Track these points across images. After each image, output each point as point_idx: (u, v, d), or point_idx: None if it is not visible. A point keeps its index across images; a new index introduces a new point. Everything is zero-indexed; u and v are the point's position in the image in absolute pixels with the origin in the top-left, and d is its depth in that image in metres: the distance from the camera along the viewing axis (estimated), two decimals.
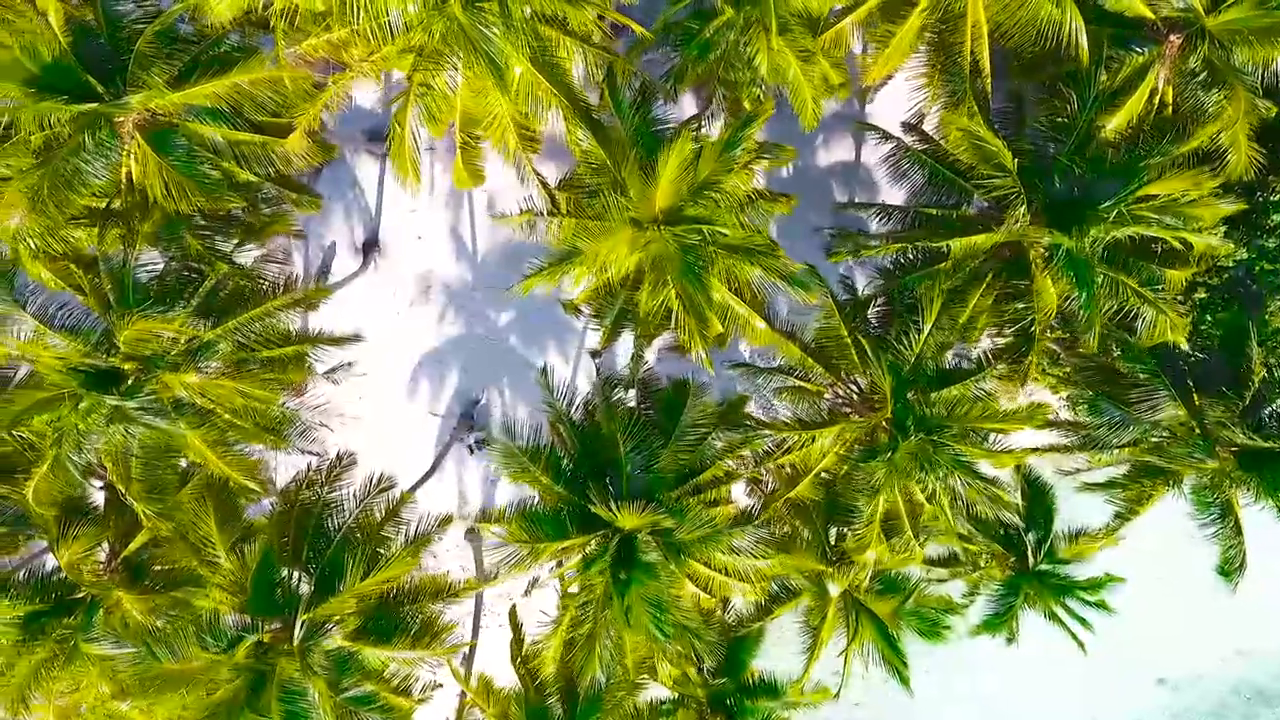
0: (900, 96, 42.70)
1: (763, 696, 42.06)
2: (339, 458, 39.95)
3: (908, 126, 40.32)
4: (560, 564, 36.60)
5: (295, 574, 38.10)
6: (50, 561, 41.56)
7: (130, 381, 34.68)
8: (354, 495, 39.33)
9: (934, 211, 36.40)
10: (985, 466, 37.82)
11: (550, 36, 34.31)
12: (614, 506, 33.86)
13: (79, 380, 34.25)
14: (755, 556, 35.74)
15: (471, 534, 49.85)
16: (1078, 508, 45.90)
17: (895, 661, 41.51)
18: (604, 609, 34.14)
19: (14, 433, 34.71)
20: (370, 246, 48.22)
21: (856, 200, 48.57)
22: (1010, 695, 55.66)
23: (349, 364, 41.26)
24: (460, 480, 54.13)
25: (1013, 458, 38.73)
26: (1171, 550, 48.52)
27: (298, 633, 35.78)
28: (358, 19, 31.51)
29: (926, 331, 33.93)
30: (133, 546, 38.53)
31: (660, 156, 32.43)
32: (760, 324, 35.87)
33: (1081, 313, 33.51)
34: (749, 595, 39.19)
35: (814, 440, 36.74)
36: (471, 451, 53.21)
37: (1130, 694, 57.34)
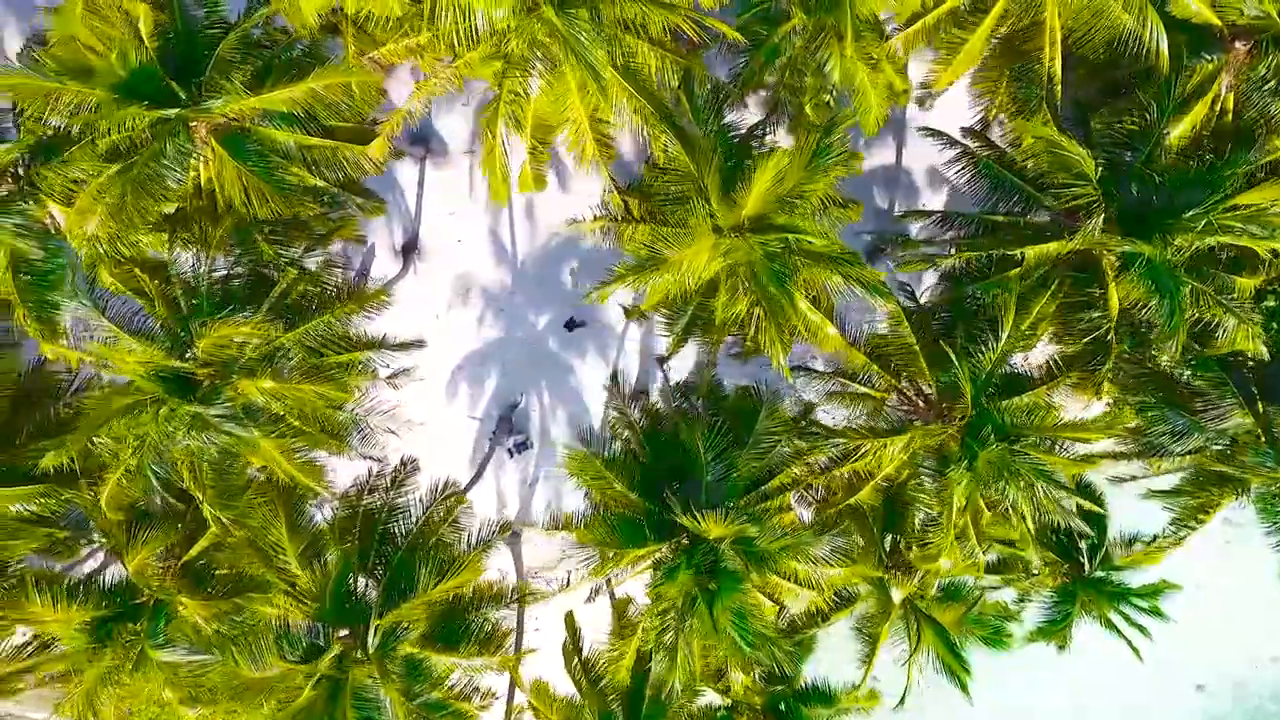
0: (955, 102, 42.42)
1: (816, 703, 41.76)
2: (404, 463, 39.63)
3: (969, 132, 40.02)
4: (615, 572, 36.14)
5: (363, 581, 38.08)
6: (102, 568, 41.17)
7: (207, 387, 33.70)
8: (420, 501, 38.34)
9: (1001, 219, 35.68)
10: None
11: (631, 42, 33.93)
12: (697, 515, 33.65)
13: (162, 387, 33.47)
14: (830, 565, 35.41)
15: (512, 537, 49.57)
16: (1123, 514, 45.93)
17: (958, 669, 41.28)
18: (687, 618, 33.60)
19: (95, 439, 33.59)
20: (410, 249, 48.27)
21: (918, 208, 48.19)
22: (1047, 700, 55.10)
23: (410, 368, 40.71)
24: (498, 483, 53.58)
25: (1088, 465, 38.42)
26: (1211, 556, 48.46)
27: (371, 640, 35.64)
28: (444, 23, 30.78)
29: (1004, 339, 33.24)
30: (194, 551, 38.17)
31: (755, 165, 32.30)
32: (832, 330, 35.70)
33: (1162, 322, 32.95)
34: (814, 603, 38.92)
35: (885, 447, 35.95)
36: (511, 455, 52.85)
37: (1169, 700, 57.58)
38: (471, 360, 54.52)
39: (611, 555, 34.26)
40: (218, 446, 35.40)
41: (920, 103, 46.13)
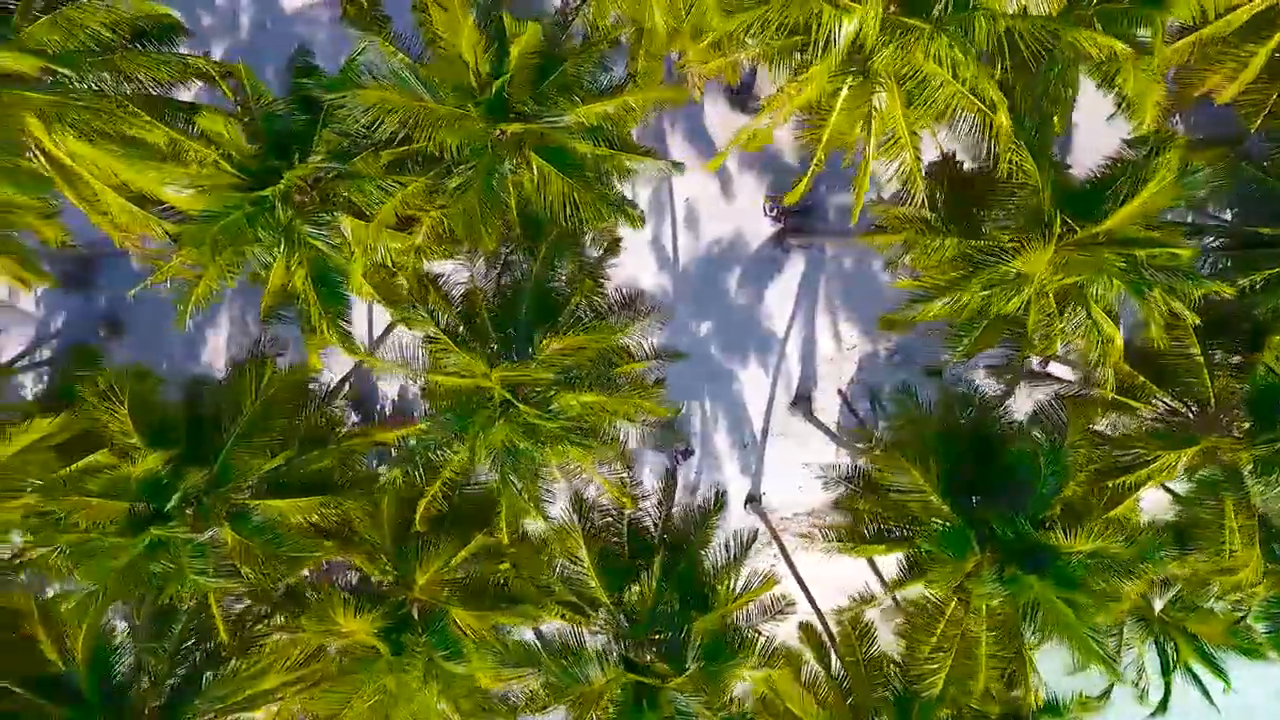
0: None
1: (1046, 714, 42.26)
2: (668, 471, 40.23)
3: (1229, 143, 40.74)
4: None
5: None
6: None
7: (540, 398, 33.93)
8: (698, 513, 38.71)
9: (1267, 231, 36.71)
10: None
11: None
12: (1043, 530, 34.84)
13: (496, 400, 33.54)
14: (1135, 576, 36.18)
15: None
16: None
17: (1222, 678, 42.04)
18: (1033, 625, 34.10)
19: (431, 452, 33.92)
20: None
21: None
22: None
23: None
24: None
25: None
26: None
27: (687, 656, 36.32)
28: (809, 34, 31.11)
29: None
30: (460, 557, 38.25)
31: (1124, 184, 32.46)
32: (1120, 340, 36.14)
33: None
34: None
35: (1176, 459, 36.74)
36: (678, 462, 52.95)
37: None
38: None
39: (947, 568, 33.91)
40: (541, 460, 34.62)
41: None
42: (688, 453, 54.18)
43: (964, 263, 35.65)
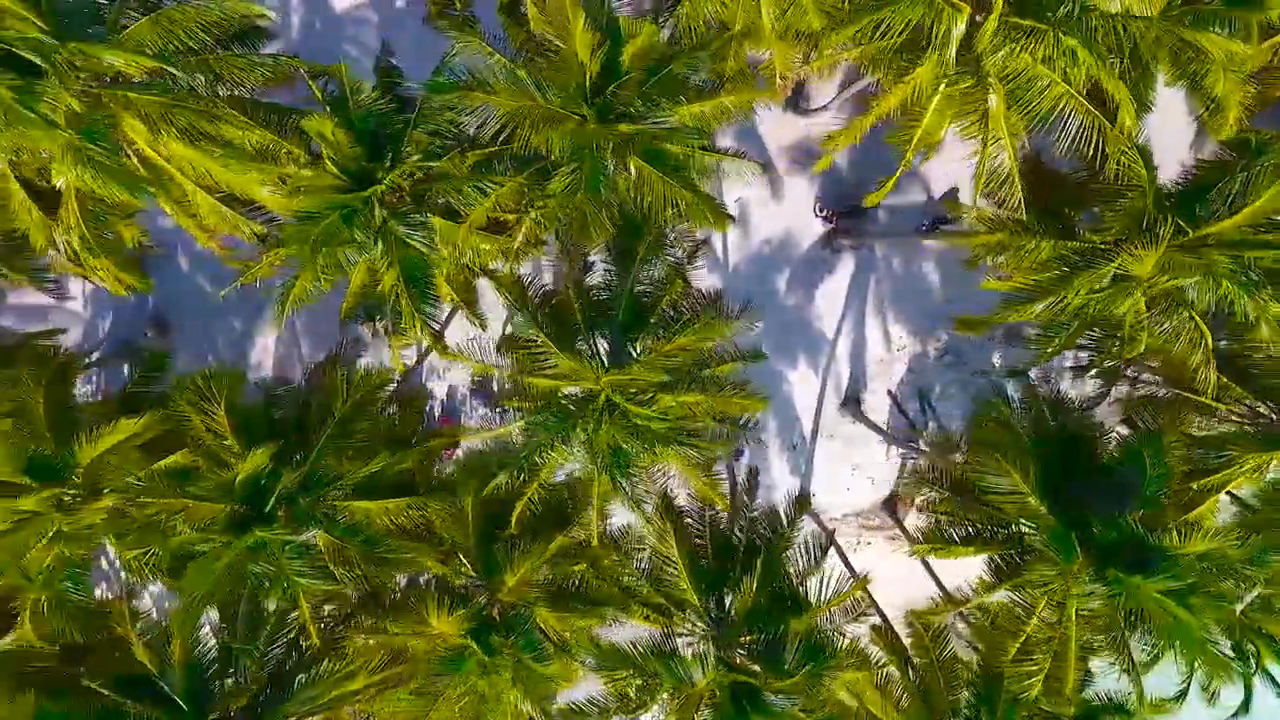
0: None
1: (1115, 715, 42.37)
2: (751, 472, 39.62)
3: None
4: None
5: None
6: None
7: (644, 399, 34.01)
8: (783, 516, 38.84)
9: None
10: None
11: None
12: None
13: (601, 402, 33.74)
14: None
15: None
16: None
17: None
18: (1139, 627, 34.27)
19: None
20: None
21: None
22: None
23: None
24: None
25: None
26: None
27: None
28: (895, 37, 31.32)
29: None
30: (545, 557, 38.08)
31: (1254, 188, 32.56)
32: (1211, 342, 36.33)
33: None
34: None
35: (1269, 461, 36.95)
36: (738, 458, 53.05)
37: None
38: None
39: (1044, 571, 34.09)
40: (642, 458, 34.75)
41: None
42: (739, 453, 53.90)
43: (1058, 264, 35.31)
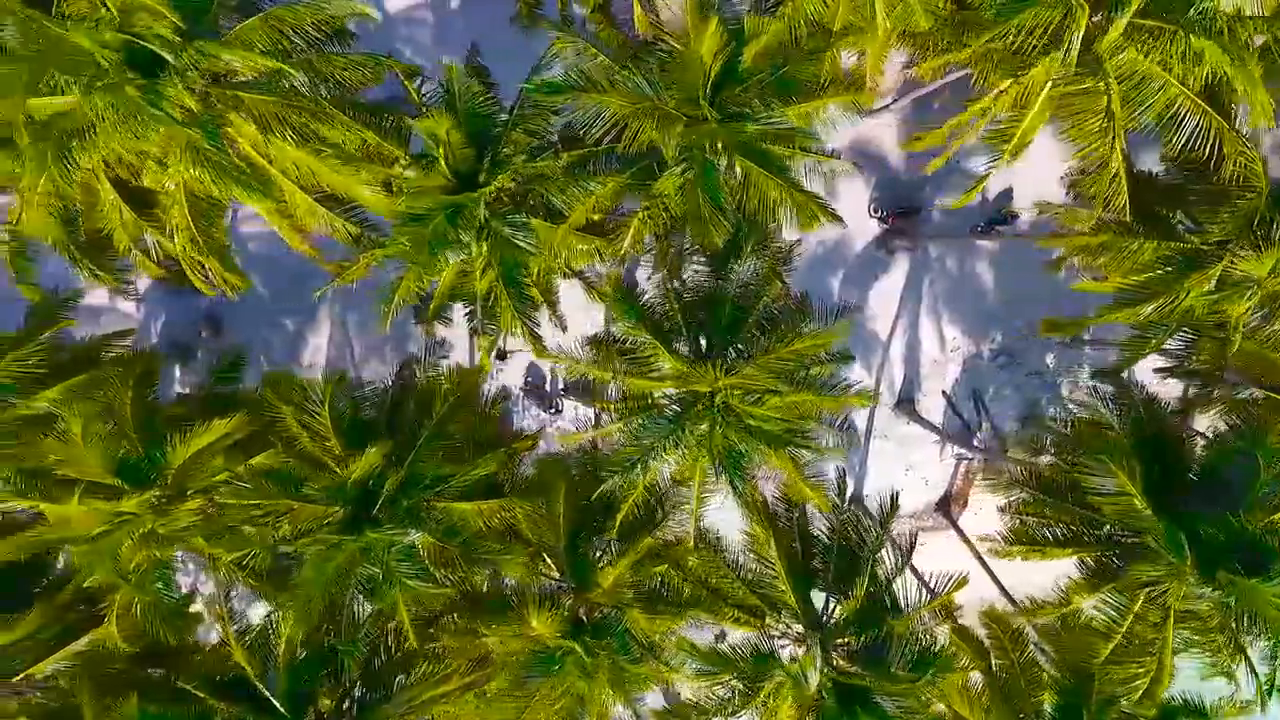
0: None
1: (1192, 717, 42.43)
2: (842, 474, 39.66)
3: None
4: None
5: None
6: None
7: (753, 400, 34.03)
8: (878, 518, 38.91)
9: None
10: None
11: None
12: None
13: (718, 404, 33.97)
14: None
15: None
16: None
17: None
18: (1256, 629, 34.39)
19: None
20: None
21: None
22: None
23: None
24: None
25: None
26: None
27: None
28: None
29: None
30: (636, 557, 38.34)
31: None
32: None
33: None
34: None
35: None
36: None
37: None
38: None
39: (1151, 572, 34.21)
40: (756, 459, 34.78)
41: None
42: None
43: (1159, 265, 35.41)
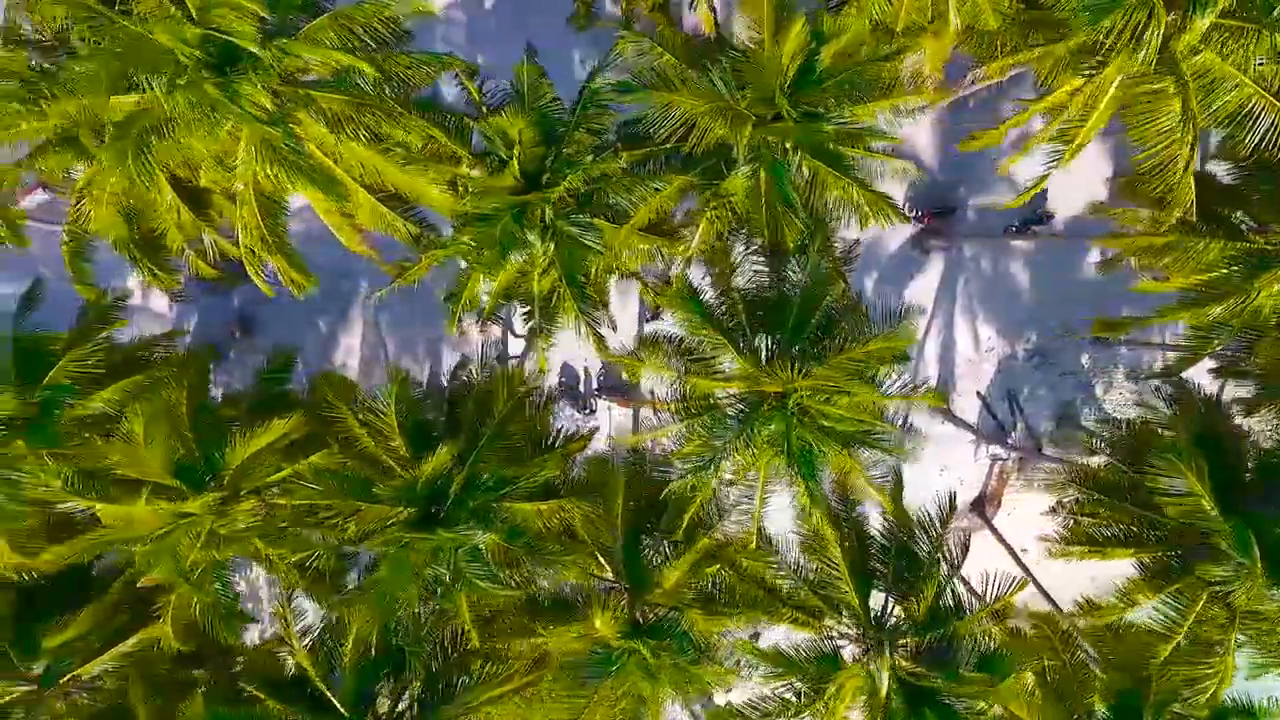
0: None
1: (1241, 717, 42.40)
2: (896, 474, 39.55)
3: None
4: None
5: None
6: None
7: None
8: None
9: None
10: None
11: None
12: None
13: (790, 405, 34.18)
14: None
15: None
16: None
17: None
18: None
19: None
20: None
21: None
22: None
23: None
24: None
25: None
26: None
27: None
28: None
29: None
30: (694, 557, 38.08)
31: None
32: None
33: None
34: None
35: None
36: None
37: None
38: None
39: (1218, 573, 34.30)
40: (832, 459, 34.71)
41: None
42: None
43: (1224, 265, 35.40)
